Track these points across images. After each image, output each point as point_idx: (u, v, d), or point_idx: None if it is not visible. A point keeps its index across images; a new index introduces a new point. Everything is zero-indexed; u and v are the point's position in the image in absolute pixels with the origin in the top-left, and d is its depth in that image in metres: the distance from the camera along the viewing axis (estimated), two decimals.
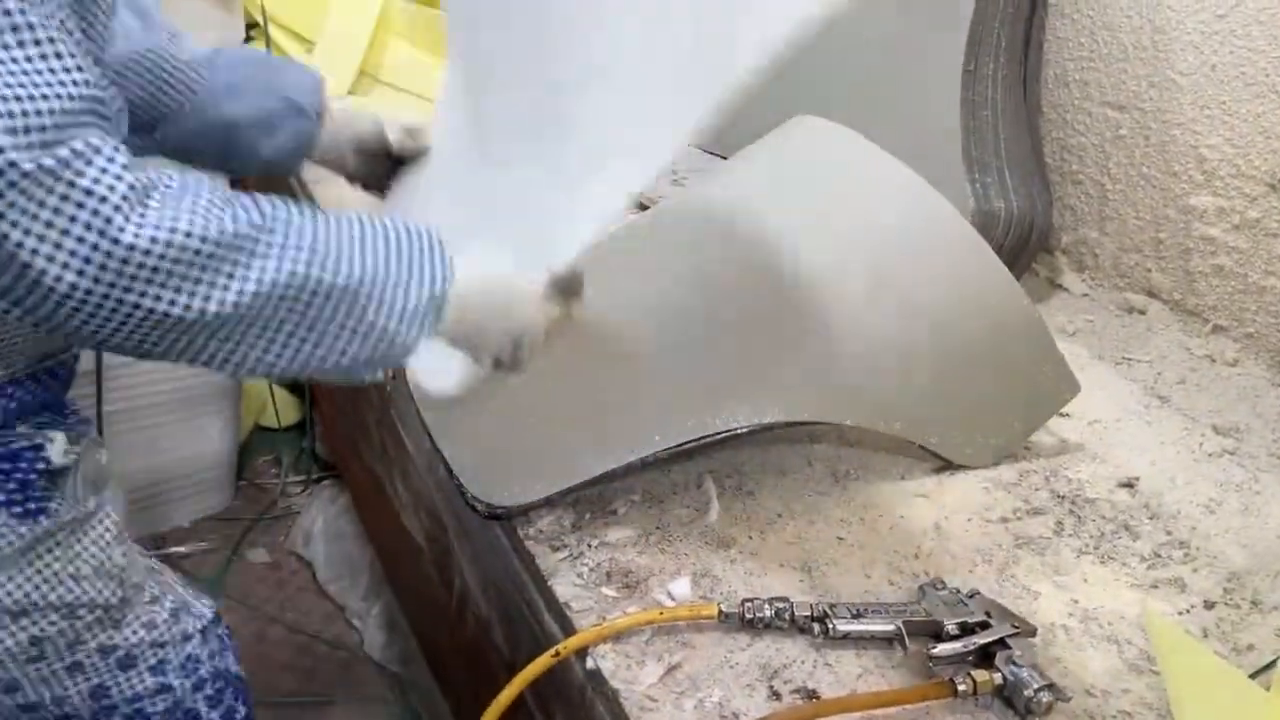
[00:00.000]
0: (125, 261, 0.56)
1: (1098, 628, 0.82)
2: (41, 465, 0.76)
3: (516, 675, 0.77)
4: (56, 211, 0.55)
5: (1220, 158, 1.25)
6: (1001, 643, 0.76)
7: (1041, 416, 1.03)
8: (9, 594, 0.75)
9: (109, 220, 0.56)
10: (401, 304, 0.65)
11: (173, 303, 0.58)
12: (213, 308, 0.59)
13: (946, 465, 1.01)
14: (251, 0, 1.76)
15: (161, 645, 0.86)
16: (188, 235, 0.58)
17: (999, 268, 0.96)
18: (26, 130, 0.55)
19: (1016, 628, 0.78)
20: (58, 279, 0.56)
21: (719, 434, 0.91)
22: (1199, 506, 0.97)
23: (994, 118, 1.39)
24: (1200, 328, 1.30)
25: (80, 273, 0.56)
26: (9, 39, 0.55)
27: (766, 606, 0.79)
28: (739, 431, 0.93)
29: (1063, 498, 0.98)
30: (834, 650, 0.79)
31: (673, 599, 0.83)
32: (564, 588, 0.85)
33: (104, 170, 0.56)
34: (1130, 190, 1.37)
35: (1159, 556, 0.90)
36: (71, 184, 0.55)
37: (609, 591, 0.84)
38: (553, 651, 0.76)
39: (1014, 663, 0.74)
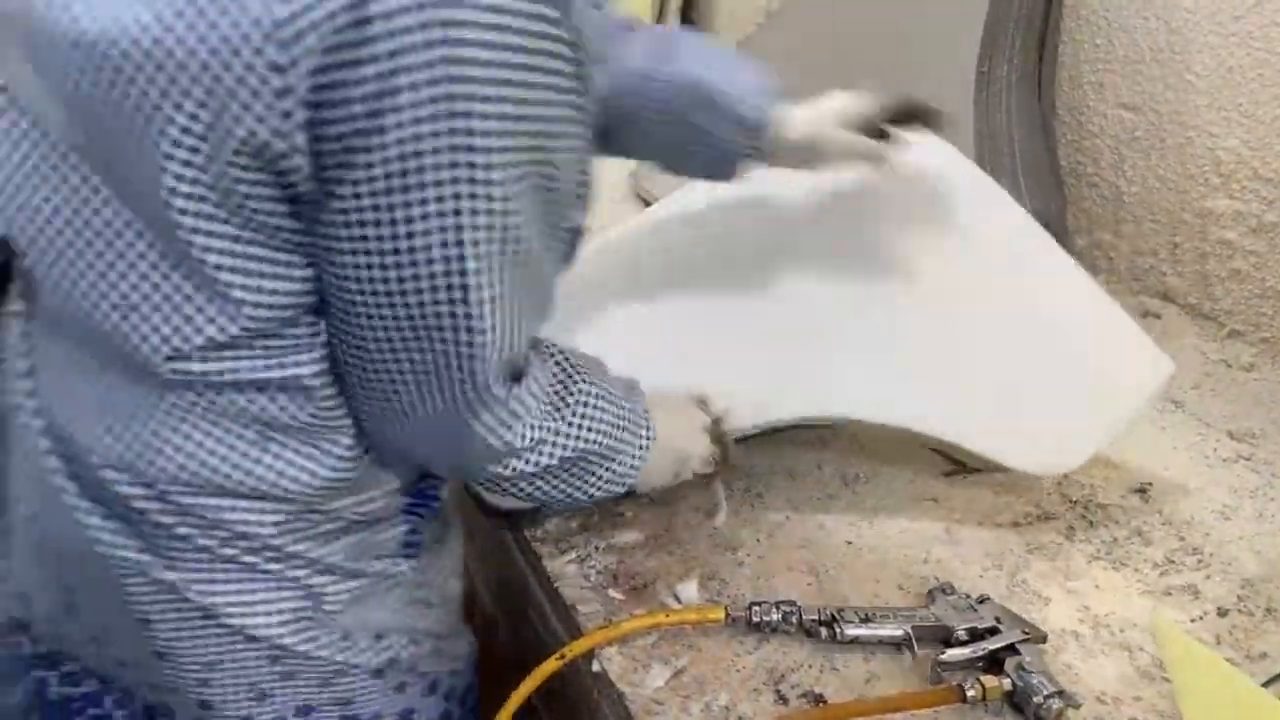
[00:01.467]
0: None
1: (1109, 634, 0.81)
2: (437, 505, 0.80)
3: (523, 678, 0.77)
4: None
5: (1237, 160, 1.23)
6: (1011, 649, 0.76)
7: (1126, 410, 0.96)
8: (379, 618, 0.76)
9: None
10: (626, 464, 0.80)
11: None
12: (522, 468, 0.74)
13: (957, 469, 1.00)
14: None
15: (455, 673, 0.85)
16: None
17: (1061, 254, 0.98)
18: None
19: (1026, 634, 0.77)
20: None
21: (779, 425, 0.94)
22: (1213, 513, 0.96)
23: (1008, 120, 1.38)
24: (1216, 332, 1.29)
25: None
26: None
27: (774, 610, 0.79)
28: (803, 423, 0.96)
29: (1075, 503, 0.97)
30: (842, 654, 0.78)
31: (679, 602, 0.83)
32: (570, 590, 0.84)
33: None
34: (1146, 193, 1.36)
35: (1172, 563, 0.89)
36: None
37: (615, 594, 0.84)
38: (559, 654, 0.76)
39: (1024, 669, 0.73)
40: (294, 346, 0.63)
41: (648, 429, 0.81)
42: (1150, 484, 0.99)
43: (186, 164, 0.55)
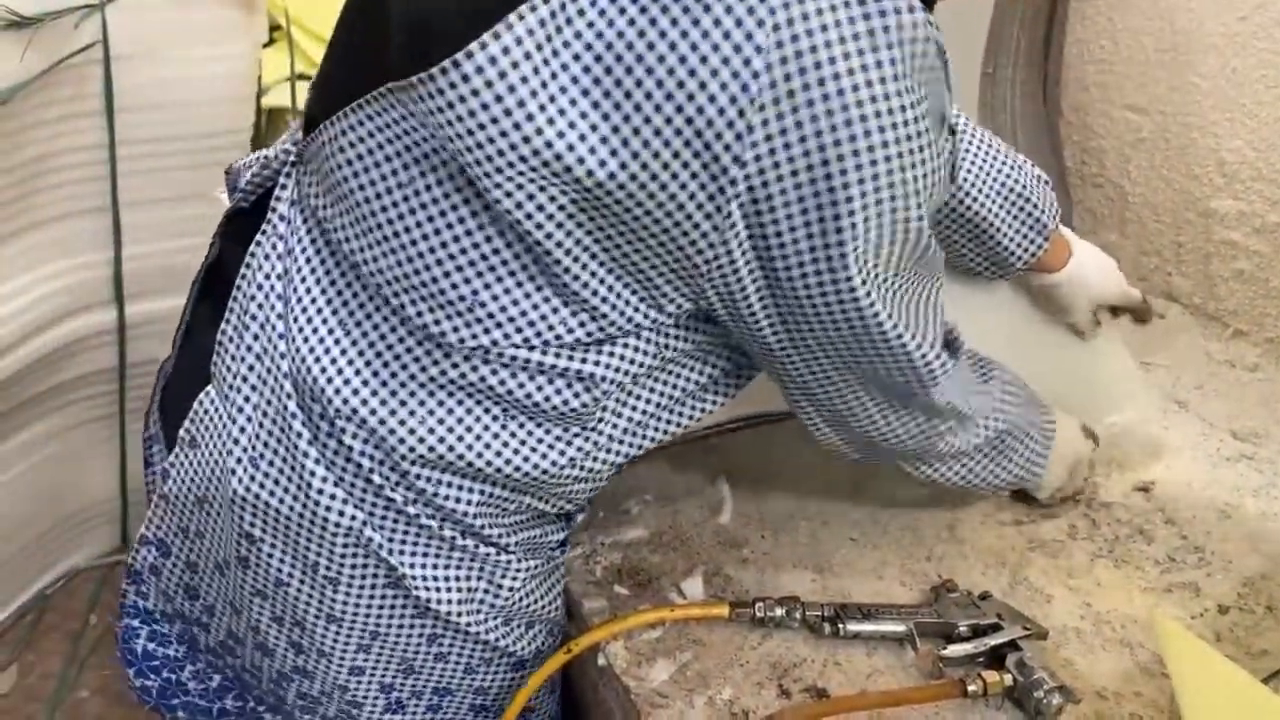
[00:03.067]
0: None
1: (1110, 631, 0.82)
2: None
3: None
4: None
5: (1241, 161, 1.24)
6: (1012, 645, 0.77)
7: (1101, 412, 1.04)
8: (536, 607, 0.80)
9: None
10: (1039, 447, 0.88)
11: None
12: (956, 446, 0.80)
13: None
14: (274, 3, 1.78)
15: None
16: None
17: None
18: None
19: (1028, 630, 0.78)
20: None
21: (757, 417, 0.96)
22: (1215, 511, 0.96)
23: (1013, 121, 1.38)
24: (1220, 332, 1.29)
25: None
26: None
27: (778, 606, 0.80)
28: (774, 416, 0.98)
29: (1077, 501, 0.97)
30: (844, 650, 0.79)
31: (684, 597, 0.84)
32: (577, 585, 0.85)
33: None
34: (1150, 194, 1.36)
35: (1173, 561, 0.90)
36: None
37: (621, 589, 0.85)
38: (565, 648, 0.77)
39: (1024, 664, 0.74)
40: (624, 347, 0.67)
41: (1049, 416, 0.89)
42: (1153, 483, 1.00)
43: None
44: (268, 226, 0.70)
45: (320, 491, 0.68)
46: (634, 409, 0.72)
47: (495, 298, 0.63)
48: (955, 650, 0.77)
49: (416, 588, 0.72)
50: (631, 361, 0.67)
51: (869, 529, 0.93)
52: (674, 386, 0.73)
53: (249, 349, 0.70)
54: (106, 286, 1.39)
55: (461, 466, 0.68)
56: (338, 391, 0.67)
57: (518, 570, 0.76)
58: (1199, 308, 1.33)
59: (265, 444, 0.70)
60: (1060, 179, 1.43)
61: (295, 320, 0.68)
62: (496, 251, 0.62)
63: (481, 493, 0.70)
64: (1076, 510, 0.96)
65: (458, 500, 0.70)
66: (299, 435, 0.68)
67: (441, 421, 0.67)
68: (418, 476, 0.69)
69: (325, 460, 0.69)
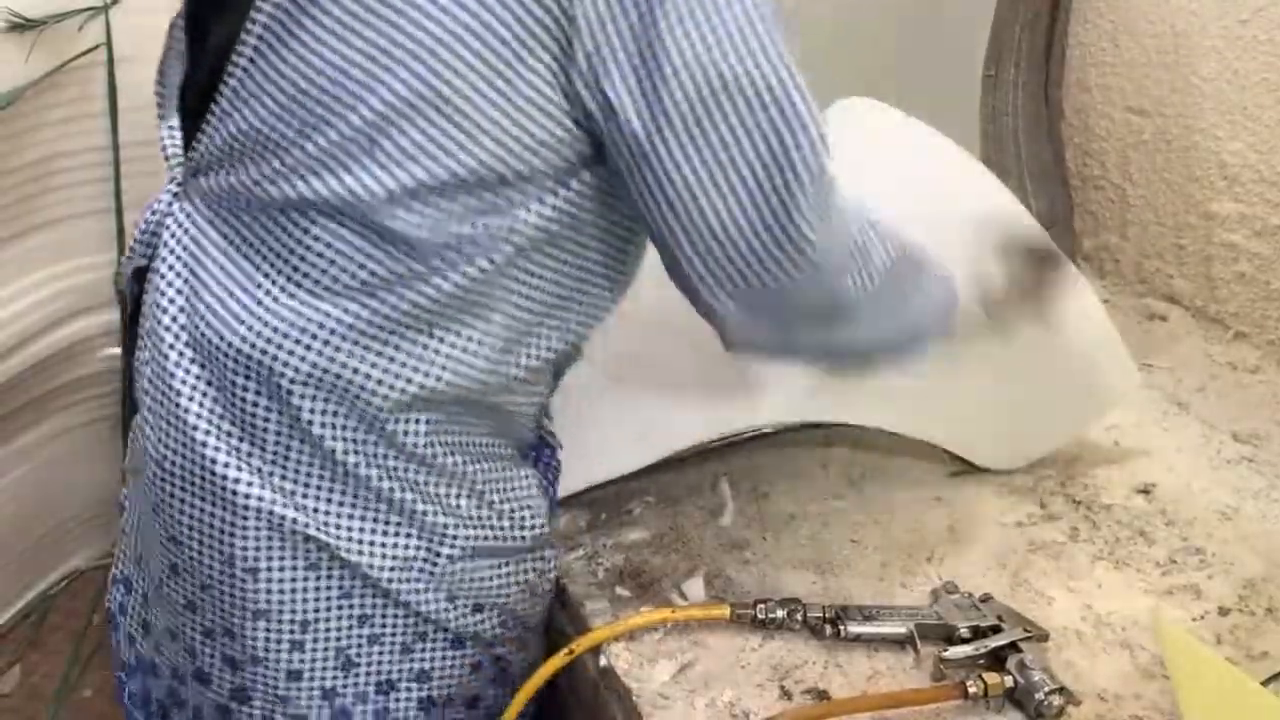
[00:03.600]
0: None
1: (1110, 633, 0.82)
2: (556, 465, 0.85)
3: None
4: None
5: (1242, 163, 1.24)
6: (1013, 646, 0.77)
7: (1092, 415, 1.02)
8: (484, 587, 0.78)
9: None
10: (935, 297, 0.78)
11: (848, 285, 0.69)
12: (853, 293, 0.69)
13: (962, 470, 1.01)
14: None
15: (526, 667, 0.85)
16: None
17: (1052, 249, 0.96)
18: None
19: (1028, 632, 0.78)
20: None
21: (751, 432, 0.95)
22: (1216, 513, 0.96)
23: (1014, 123, 1.39)
24: (1221, 334, 1.30)
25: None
26: None
27: (779, 607, 0.80)
28: (765, 430, 0.97)
29: (1078, 503, 0.98)
30: (846, 652, 0.79)
31: (686, 599, 0.84)
32: (578, 587, 0.86)
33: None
34: (1152, 196, 1.37)
35: (1174, 563, 0.90)
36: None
37: (623, 591, 0.85)
38: (566, 650, 0.78)
39: (1025, 666, 0.74)
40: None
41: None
42: (1154, 485, 1.00)
43: None
44: (163, 248, 0.71)
45: (224, 477, 0.68)
46: (524, 297, 0.69)
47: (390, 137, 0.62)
48: (956, 652, 0.77)
49: (349, 553, 0.70)
50: (511, 231, 0.65)
51: (870, 531, 0.93)
52: (558, 272, 0.70)
53: (151, 357, 0.71)
54: (109, 288, 1.40)
55: (355, 384, 0.67)
56: (232, 333, 0.67)
57: (456, 538, 0.73)
58: (1200, 310, 1.33)
59: (166, 435, 0.70)
60: (1062, 181, 1.44)
61: (196, 305, 0.69)
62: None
63: (419, 421, 0.69)
64: (1078, 512, 0.96)
65: (407, 429, 0.69)
66: (188, 409, 0.68)
67: (322, 327, 0.66)
68: (352, 413, 0.68)
69: (221, 433, 0.68)
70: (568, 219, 0.67)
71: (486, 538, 0.76)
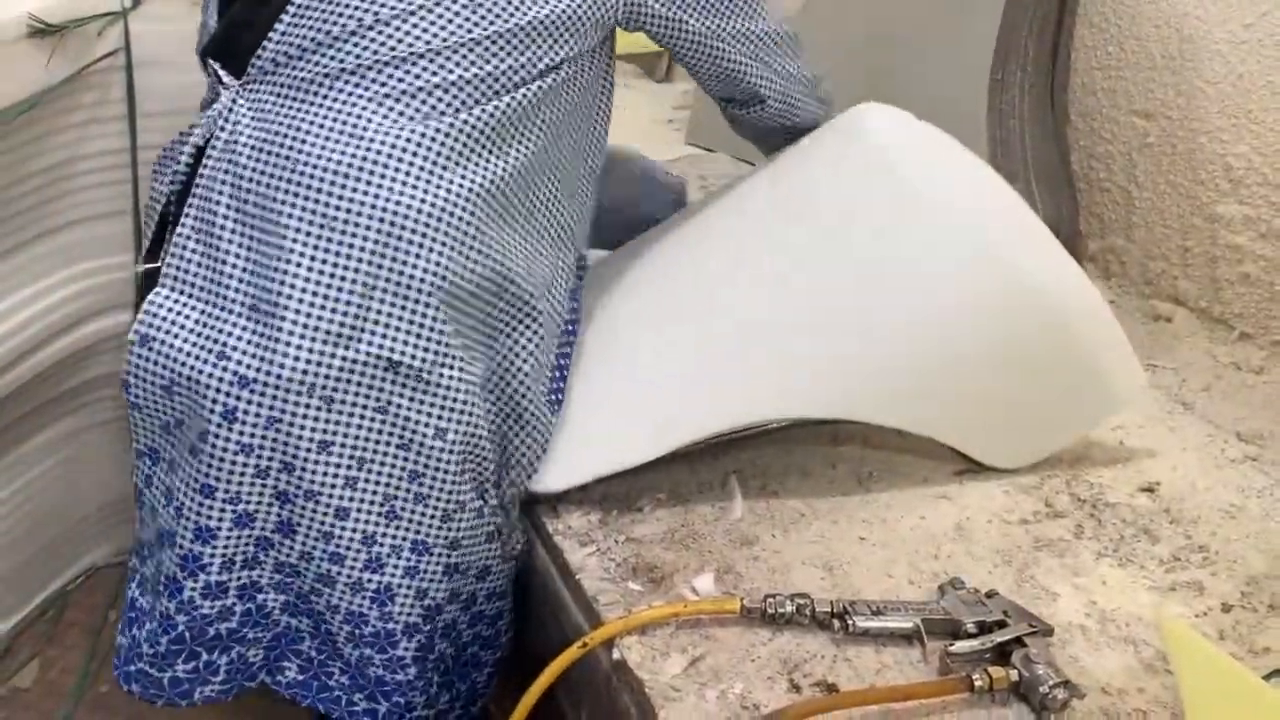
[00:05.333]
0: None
1: (1115, 628, 0.83)
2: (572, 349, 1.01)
3: (546, 665, 0.80)
4: None
5: (1247, 166, 1.25)
6: (1018, 641, 0.78)
7: (1097, 417, 1.03)
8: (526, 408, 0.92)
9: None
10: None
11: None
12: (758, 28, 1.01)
13: (969, 468, 1.03)
14: None
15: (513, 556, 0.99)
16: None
17: (1064, 255, 0.99)
18: None
19: (1034, 627, 0.79)
20: None
21: (761, 426, 0.99)
22: (1219, 512, 0.97)
23: (1021, 127, 1.40)
24: (1226, 335, 1.31)
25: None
26: None
27: (788, 602, 0.81)
28: (771, 427, 1.01)
29: (1083, 501, 0.99)
30: (854, 646, 0.81)
31: (697, 594, 0.86)
32: (591, 581, 0.87)
33: None
34: (1157, 198, 1.38)
35: (1178, 560, 0.91)
36: None
37: (635, 585, 0.86)
38: (580, 643, 0.79)
39: (1030, 660, 0.75)
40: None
41: None
42: (1158, 484, 1.01)
43: None
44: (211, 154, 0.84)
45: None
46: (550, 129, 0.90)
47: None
48: (962, 647, 0.78)
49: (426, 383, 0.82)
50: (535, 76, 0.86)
51: (878, 528, 0.95)
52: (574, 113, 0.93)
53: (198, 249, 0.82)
54: (126, 289, 1.42)
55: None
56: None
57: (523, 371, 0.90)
58: (1205, 311, 1.34)
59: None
60: (1068, 184, 1.45)
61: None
62: None
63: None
64: (1083, 510, 0.98)
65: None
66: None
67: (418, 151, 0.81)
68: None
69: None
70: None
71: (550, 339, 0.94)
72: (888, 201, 0.95)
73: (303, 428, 0.78)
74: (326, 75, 0.81)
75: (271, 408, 0.78)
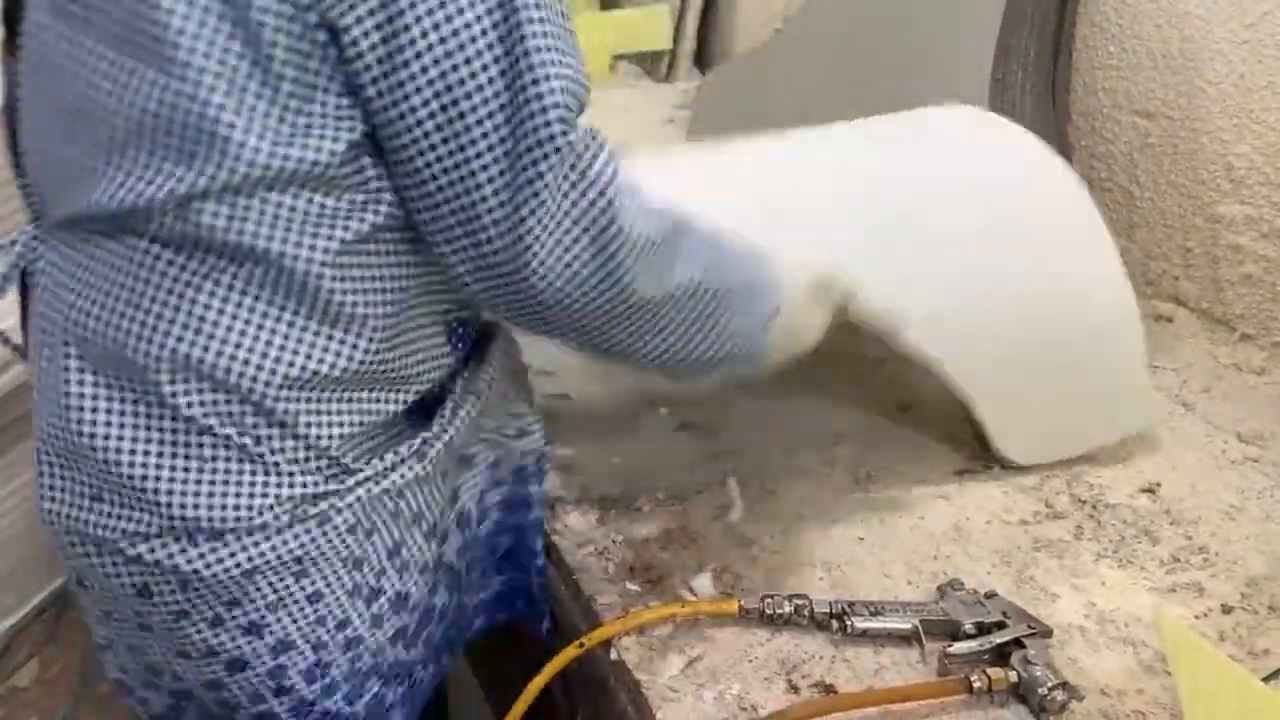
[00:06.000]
0: (617, 249, 0.64)
1: (1114, 630, 0.83)
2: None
3: (544, 665, 0.79)
4: (571, 191, 0.62)
5: (1249, 166, 1.25)
6: (1017, 642, 0.78)
7: (1107, 433, 1.05)
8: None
9: (609, 209, 0.62)
10: (758, 313, 0.76)
11: (632, 287, 0.66)
12: (648, 294, 0.67)
13: (967, 469, 1.03)
14: None
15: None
16: (652, 229, 0.66)
17: (1117, 266, 1.02)
18: (577, 100, 0.61)
19: (1033, 628, 0.79)
20: (558, 260, 0.63)
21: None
22: (1219, 513, 0.97)
23: (1022, 126, 1.39)
24: (1228, 336, 1.30)
25: (577, 257, 0.63)
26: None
27: (786, 603, 0.81)
28: None
29: (1083, 502, 0.99)
30: (852, 647, 0.81)
31: (695, 594, 0.86)
32: (589, 582, 0.87)
33: (607, 159, 0.63)
34: (1158, 198, 1.37)
35: (1178, 561, 0.91)
36: (588, 167, 0.62)
37: (633, 586, 0.86)
38: (578, 643, 0.79)
39: (1029, 662, 0.75)
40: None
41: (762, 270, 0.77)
42: (1158, 484, 1.01)
43: None
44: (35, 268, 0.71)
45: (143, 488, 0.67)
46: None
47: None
48: (961, 648, 0.78)
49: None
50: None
51: (877, 528, 0.94)
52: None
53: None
54: None
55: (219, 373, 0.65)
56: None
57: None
58: (1206, 312, 1.34)
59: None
60: None
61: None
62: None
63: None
64: (1083, 511, 0.97)
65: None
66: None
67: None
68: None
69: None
70: None
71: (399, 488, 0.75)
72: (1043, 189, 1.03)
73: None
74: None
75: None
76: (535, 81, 0.59)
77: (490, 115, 0.59)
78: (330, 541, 0.71)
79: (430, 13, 0.57)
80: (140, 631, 0.74)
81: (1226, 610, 0.85)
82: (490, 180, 0.61)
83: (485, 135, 0.60)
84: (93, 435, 0.66)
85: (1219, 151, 1.28)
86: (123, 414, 0.66)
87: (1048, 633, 0.80)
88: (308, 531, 0.69)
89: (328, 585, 0.72)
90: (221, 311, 0.64)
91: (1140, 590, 0.87)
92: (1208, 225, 1.31)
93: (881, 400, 1.14)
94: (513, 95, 0.59)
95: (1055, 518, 0.96)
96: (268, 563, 0.69)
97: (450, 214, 0.63)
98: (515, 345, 0.87)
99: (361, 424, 0.71)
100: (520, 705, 0.79)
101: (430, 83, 0.59)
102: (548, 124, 0.59)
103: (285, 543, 0.69)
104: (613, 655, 0.80)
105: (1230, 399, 1.17)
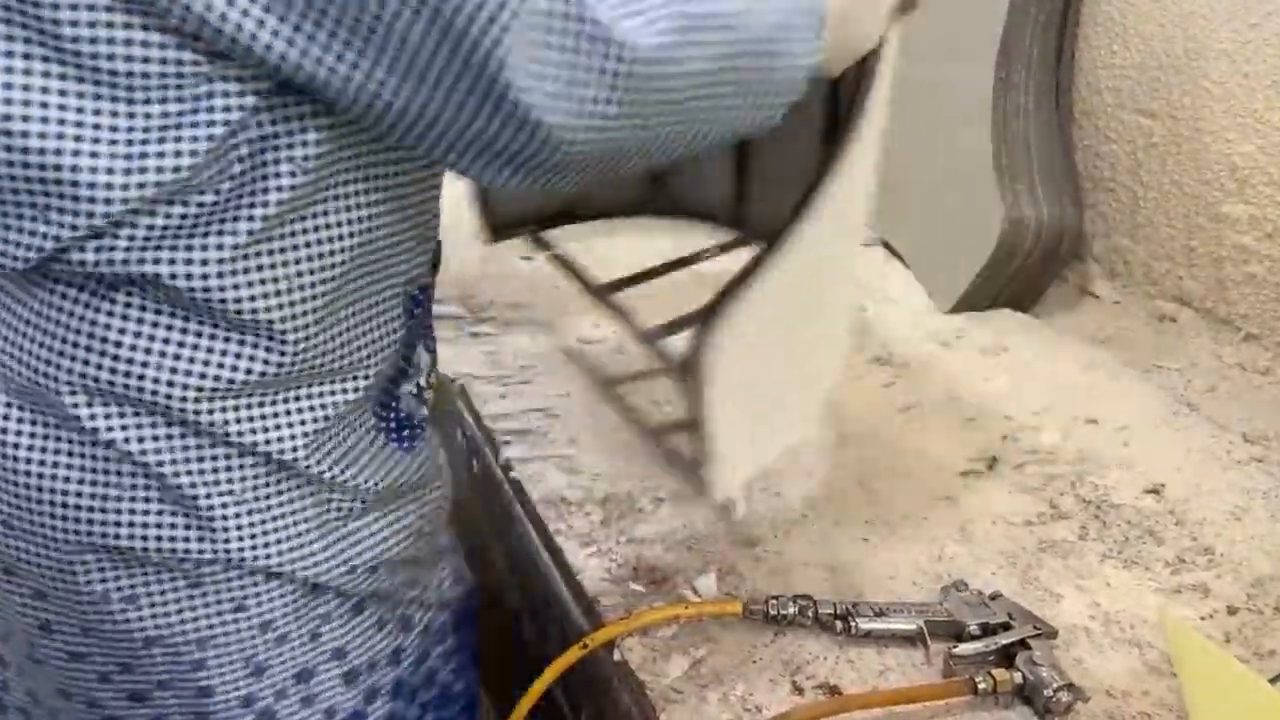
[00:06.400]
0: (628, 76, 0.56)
1: (1119, 631, 0.83)
2: (415, 390, 0.75)
3: (547, 666, 0.79)
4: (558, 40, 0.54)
5: (1253, 166, 1.25)
6: (1022, 643, 0.77)
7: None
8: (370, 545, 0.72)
9: (608, 41, 0.55)
10: (802, 39, 0.65)
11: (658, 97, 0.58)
12: (683, 90, 0.59)
13: (971, 469, 1.02)
14: None
15: (430, 607, 0.82)
16: (660, 39, 0.57)
17: None
18: None
19: (1038, 629, 0.79)
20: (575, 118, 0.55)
21: None
22: (1225, 513, 0.97)
23: (1025, 126, 1.39)
24: (1232, 336, 1.30)
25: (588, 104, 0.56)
26: None
27: (790, 603, 0.81)
28: None
29: (1088, 503, 0.98)
30: (856, 648, 0.80)
31: (698, 595, 0.85)
32: (592, 583, 0.87)
33: None
34: (1162, 198, 1.37)
35: (1183, 562, 0.91)
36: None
37: (636, 586, 0.86)
38: (581, 644, 0.79)
39: (1034, 663, 0.75)
40: None
41: None
42: (1163, 485, 1.01)
43: None
44: None
45: (74, 520, 0.64)
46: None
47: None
48: (966, 649, 0.78)
49: (221, 552, 0.65)
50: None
51: (881, 529, 0.94)
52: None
53: None
54: None
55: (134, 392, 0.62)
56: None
57: (334, 504, 0.70)
58: (1210, 312, 1.34)
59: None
60: (1073, 183, 1.44)
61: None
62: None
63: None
64: (1087, 511, 0.97)
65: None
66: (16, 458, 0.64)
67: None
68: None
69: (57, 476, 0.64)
70: None
71: (363, 495, 0.71)
72: None
73: (119, 633, 0.68)
74: None
75: None
76: None
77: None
78: (237, 632, 0.68)
79: None
80: (31, 664, 0.71)
81: (1232, 611, 0.85)
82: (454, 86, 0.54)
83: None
84: (15, 459, 0.63)
85: (1223, 151, 1.27)
86: (45, 438, 0.63)
87: (1053, 634, 0.80)
88: (219, 611, 0.67)
89: (221, 684, 0.69)
90: (123, 331, 0.60)
91: (1145, 591, 0.87)
92: (1212, 225, 1.31)
93: (884, 401, 1.14)
94: None
95: (1060, 518, 0.96)
96: (170, 634, 0.66)
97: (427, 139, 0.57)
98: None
99: (315, 421, 0.66)
100: (523, 706, 0.79)
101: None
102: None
103: (193, 612, 0.66)
104: (616, 656, 0.80)
105: (1235, 399, 1.17)
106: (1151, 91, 1.35)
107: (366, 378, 0.69)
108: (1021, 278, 1.37)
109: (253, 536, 0.66)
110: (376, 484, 0.72)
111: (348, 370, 0.68)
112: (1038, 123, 1.40)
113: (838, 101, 0.89)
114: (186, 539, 0.65)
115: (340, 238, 0.63)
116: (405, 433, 0.75)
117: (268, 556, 0.67)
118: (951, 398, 1.11)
